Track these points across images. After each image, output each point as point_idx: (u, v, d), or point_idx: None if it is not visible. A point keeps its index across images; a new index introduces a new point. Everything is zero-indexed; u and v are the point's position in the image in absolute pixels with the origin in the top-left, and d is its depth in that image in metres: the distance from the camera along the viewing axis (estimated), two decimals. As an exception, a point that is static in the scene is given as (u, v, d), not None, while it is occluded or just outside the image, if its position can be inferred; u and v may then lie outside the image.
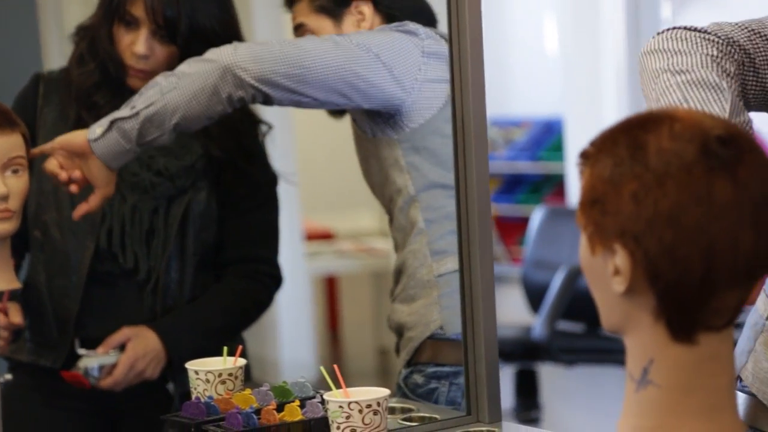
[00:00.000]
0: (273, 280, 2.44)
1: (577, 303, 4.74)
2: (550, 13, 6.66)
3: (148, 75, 2.22)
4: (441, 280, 2.23)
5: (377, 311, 6.20)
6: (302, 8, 2.29)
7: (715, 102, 1.61)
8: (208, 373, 1.91)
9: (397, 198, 2.26)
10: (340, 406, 1.72)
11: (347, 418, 1.72)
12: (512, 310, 5.24)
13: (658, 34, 1.72)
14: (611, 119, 5.59)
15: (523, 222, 6.18)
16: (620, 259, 1.30)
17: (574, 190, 6.05)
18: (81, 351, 2.29)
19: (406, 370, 2.26)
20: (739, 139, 1.30)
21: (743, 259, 1.28)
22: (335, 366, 1.78)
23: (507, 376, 5.02)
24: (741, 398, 1.79)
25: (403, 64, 2.18)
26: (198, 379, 1.92)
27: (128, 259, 2.32)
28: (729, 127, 1.31)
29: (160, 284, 2.33)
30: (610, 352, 4.87)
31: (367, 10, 2.27)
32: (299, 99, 2.15)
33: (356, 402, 1.72)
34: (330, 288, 6.43)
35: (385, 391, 1.76)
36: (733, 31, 1.71)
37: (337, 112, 2.39)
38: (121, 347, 2.28)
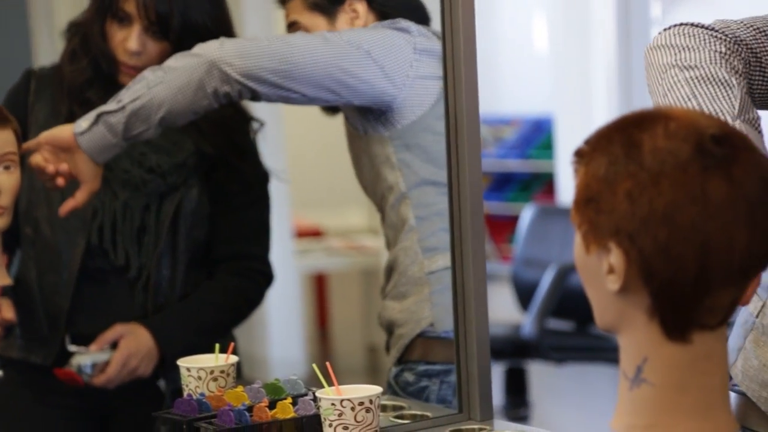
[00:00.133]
0: (264, 277, 2.44)
1: (567, 301, 4.75)
2: (540, 11, 6.66)
3: (141, 71, 2.22)
4: (432, 278, 2.23)
5: (366, 309, 6.20)
6: (295, 6, 2.29)
7: (724, 99, 1.61)
8: (200, 370, 1.91)
9: (389, 195, 2.26)
10: (333, 404, 1.72)
11: (339, 415, 1.72)
12: (502, 309, 5.24)
13: (666, 29, 1.72)
14: (601, 118, 5.62)
15: (513, 220, 6.18)
16: (615, 257, 1.30)
17: (563, 189, 6.05)
18: (72, 348, 2.29)
19: (396, 368, 2.26)
20: (733, 138, 1.30)
21: (738, 258, 1.28)
22: (327, 363, 1.78)
23: (496, 374, 5.03)
24: (730, 397, 1.79)
25: (395, 60, 2.18)
26: (190, 376, 1.91)
27: (119, 256, 2.32)
28: (723, 126, 1.32)
29: (151, 281, 2.32)
30: (599, 351, 4.89)
31: (361, 8, 2.27)
32: (287, 95, 2.15)
33: (349, 399, 1.72)
34: (319, 285, 6.43)
35: (377, 389, 1.76)
36: (739, 29, 1.70)
37: (330, 110, 2.39)
38: (113, 345, 2.28)
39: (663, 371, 1.32)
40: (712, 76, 1.63)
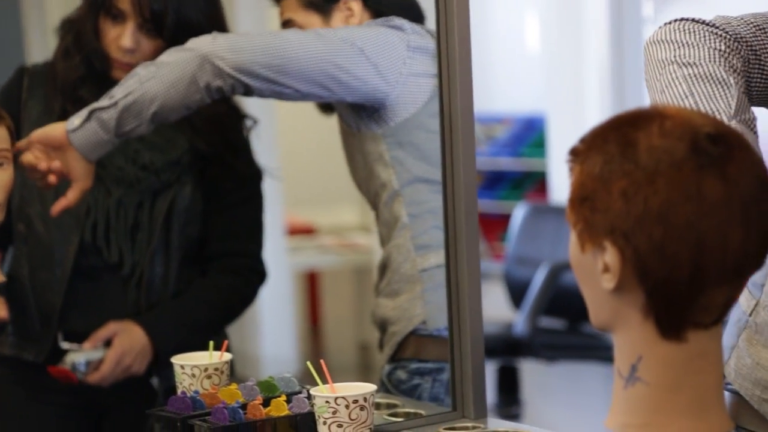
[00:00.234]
0: (257, 275, 2.44)
1: (559, 300, 4.75)
2: (532, 10, 6.67)
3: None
4: (425, 275, 2.23)
5: (358, 307, 6.20)
6: (290, 4, 2.29)
7: (721, 98, 1.60)
8: (194, 368, 1.91)
9: (382, 192, 2.26)
10: (327, 402, 1.72)
11: (334, 413, 1.72)
12: (494, 307, 5.25)
13: (666, 24, 1.71)
14: (594, 116, 5.63)
15: (504, 218, 6.19)
16: (610, 256, 1.30)
17: (556, 187, 6.05)
18: (64, 345, 2.28)
19: (389, 365, 2.26)
20: (728, 136, 1.30)
21: (732, 257, 1.28)
22: (322, 361, 1.78)
23: (488, 373, 5.00)
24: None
25: (388, 57, 2.18)
26: (184, 373, 1.91)
27: (113, 253, 2.32)
28: (719, 125, 1.32)
29: (145, 278, 2.32)
30: (591, 349, 4.89)
31: (356, 6, 2.27)
32: (280, 90, 2.15)
33: (343, 397, 1.72)
34: (311, 283, 6.43)
35: (371, 387, 1.76)
36: (739, 26, 1.70)
37: (326, 109, 2.39)
38: (107, 342, 2.27)
39: (658, 370, 1.32)
40: (710, 74, 1.63)
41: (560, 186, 5.99)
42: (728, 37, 1.68)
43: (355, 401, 1.72)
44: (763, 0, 2.05)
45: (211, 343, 1.95)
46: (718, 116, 1.58)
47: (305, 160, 6.18)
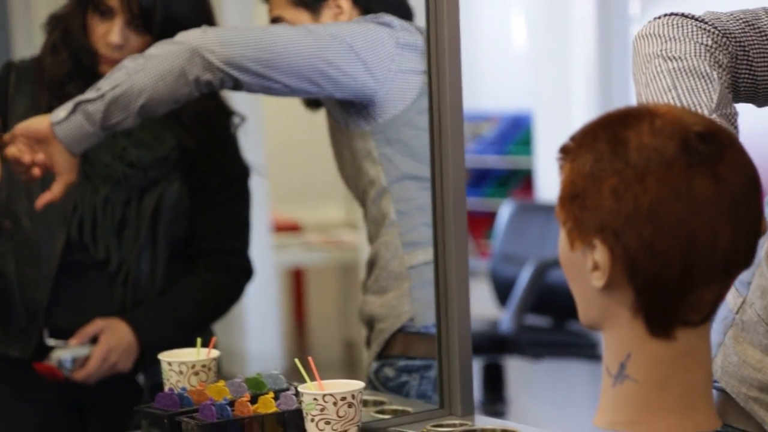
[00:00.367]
0: (244, 272, 2.44)
1: (545, 297, 4.76)
2: (519, 8, 6.68)
3: (122, 64, 2.21)
4: (413, 272, 2.23)
5: (343, 304, 6.20)
6: (279, 1, 2.28)
7: (703, 91, 1.61)
8: (182, 365, 1.90)
9: (370, 190, 2.26)
10: (315, 399, 1.72)
11: (321, 410, 1.72)
12: (480, 304, 5.24)
13: (656, 18, 1.72)
14: (580, 114, 5.64)
15: (490, 216, 6.20)
16: (599, 254, 1.30)
17: (542, 185, 6.06)
18: (50, 342, 2.28)
19: (376, 363, 2.26)
20: (719, 135, 1.31)
21: (722, 255, 1.29)
22: (310, 358, 1.78)
23: (474, 370, 5.03)
24: (711, 393, 1.80)
25: (377, 54, 2.18)
26: (171, 370, 1.91)
27: (99, 250, 2.31)
28: (709, 123, 1.32)
29: (131, 276, 2.32)
30: (576, 347, 4.90)
31: (345, 3, 2.27)
32: (269, 85, 2.14)
33: (331, 394, 1.71)
34: (297, 280, 6.43)
35: (359, 384, 1.76)
36: (728, 22, 1.71)
37: (312, 104, 2.39)
38: (93, 339, 2.27)
39: (646, 368, 1.32)
40: (694, 68, 1.64)
41: (546, 184, 6.00)
42: (716, 32, 1.68)
43: (343, 398, 1.72)
44: (747, -1, 2.06)
45: (199, 339, 1.95)
46: (699, 110, 1.58)
47: (291, 157, 6.18)
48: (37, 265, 2.30)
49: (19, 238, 2.31)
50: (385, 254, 2.25)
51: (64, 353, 2.25)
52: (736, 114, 1.63)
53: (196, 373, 1.91)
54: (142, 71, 2.10)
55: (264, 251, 5.13)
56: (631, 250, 1.28)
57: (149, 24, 2.24)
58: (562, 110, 5.80)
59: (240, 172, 2.41)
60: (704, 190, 1.27)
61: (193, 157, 2.35)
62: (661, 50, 1.66)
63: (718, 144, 1.29)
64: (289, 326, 6.28)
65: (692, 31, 1.67)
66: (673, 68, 1.64)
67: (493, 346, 4.86)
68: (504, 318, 4.85)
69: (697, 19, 1.69)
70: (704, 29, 1.68)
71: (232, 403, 1.80)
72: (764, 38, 1.71)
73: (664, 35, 1.68)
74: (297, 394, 1.79)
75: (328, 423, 1.72)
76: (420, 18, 2.14)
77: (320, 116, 2.38)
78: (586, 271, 1.33)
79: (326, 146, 2.37)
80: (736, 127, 1.61)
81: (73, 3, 2.30)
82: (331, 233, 6.17)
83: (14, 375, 2.33)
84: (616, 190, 1.28)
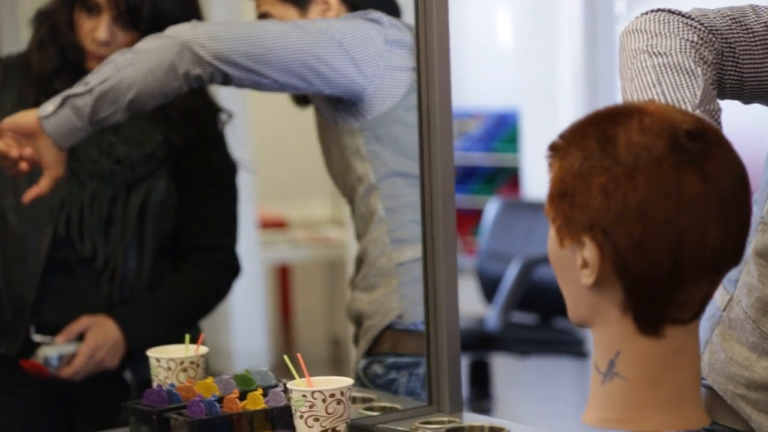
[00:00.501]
0: (231, 269, 2.44)
1: (531, 295, 4.77)
2: (504, 6, 6.68)
3: (110, 60, 2.21)
4: (401, 269, 2.23)
5: (330, 301, 6.20)
6: (267, -3, 2.28)
7: (687, 87, 1.61)
8: (170, 361, 1.90)
9: (358, 186, 2.26)
10: (304, 395, 1.72)
11: (310, 407, 1.72)
12: (466, 301, 5.25)
13: (643, 14, 1.73)
14: (567, 112, 5.65)
15: (476, 213, 6.21)
16: (588, 252, 1.31)
17: (528, 182, 6.07)
18: (37, 338, 2.27)
19: (365, 360, 2.26)
20: (707, 133, 1.31)
21: (710, 253, 1.29)
22: (299, 355, 1.78)
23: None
24: (699, 391, 1.80)
25: (366, 50, 2.18)
26: (159, 366, 1.91)
27: (86, 246, 2.31)
28: (698, 121, 1.32)
29: (118, 272, 2.31)
30: (563, 344, 4.91)
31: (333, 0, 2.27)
32: (259, 80, 2.14)
33: (320, 391, 1.72)
34: (283, 277, 6.42)
35: (348, 381, 1.76)
36: (715, 18, 1.71)
37: (300, 101, 2.38)
38: (80, 336, 2.26)
39: (636, 365, 1.33)
40: (679, 64, 1.64)
41: (532, 181, 6.01)
42: (702, 29, 1.69)
43: (332, 395, 1.72)
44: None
45: (187, 336, 1.95)
46: (682, 105, 1.59)
47: (277, 153, 6.17)
48: (24, 262, 2.30)
49: (5, 235, 2.31)
50: (373, 251, 2.25)
51: (51, 350, 2.24)
52: (719, 110, 1.63)
53: (185, 370, 1.90)
54: (131, 65, 2.09)
55: (250, 248, 5.12)
56: (620, 248, 1.28)
57: (136, 20, 2.24)
58: (548, 108, 5.81)
59: (227, 169, 2.41)
60: (693, 188, 1.27)
61: (180, 154, 2.35)
62: (646, 46, 1.67)
63: (706, 142, 1.30)
64: (275, 323, 6.28)
65: (678, 28, 1.68)
66: (658, 64, 1.65)
67: (480, 343, 4.87)
68: (490, 315, 4.86)
69: (683, 16, 1.70)
70: (690, 26, 1.68)
71: (220, 400, 1.80)
72: (750, 35, 1.71)
73: (650, 31, 1.69)
74: (286, 390, 1.79)
75: (317, 420, 1.72)
76: (408, 15, 2.14)
77: (307, 113, 2.38)
78: (575, 269, 1.33)
79: (313, 143, 2.37)
80: (719, 124, 1.62)
81: (60, -1, 2.29)
82: (317, 230, 6.16)
83: (1, 371, 2.33)
84: (606, 188, 1.28)
